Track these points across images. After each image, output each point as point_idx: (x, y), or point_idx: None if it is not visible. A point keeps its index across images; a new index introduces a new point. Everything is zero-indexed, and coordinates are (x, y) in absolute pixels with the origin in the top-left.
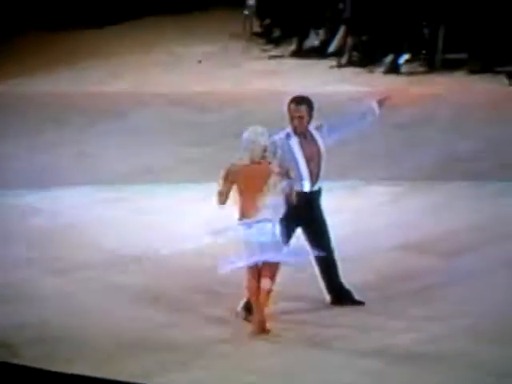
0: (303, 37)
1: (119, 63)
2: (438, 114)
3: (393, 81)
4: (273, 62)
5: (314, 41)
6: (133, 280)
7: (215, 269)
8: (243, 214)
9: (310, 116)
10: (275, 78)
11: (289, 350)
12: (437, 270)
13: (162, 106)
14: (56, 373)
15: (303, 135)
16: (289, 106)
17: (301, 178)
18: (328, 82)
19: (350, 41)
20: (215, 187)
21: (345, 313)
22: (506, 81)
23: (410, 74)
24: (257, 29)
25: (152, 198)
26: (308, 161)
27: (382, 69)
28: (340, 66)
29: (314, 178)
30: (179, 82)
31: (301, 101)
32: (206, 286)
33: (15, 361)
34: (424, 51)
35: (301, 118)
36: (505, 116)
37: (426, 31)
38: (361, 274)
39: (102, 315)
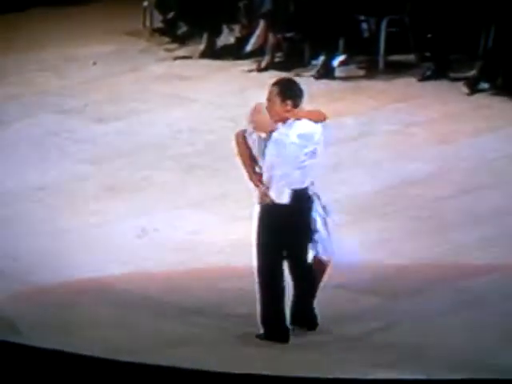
0: (214, 33)
1: None
2: (378, 128)
3: (325, 87)
4: (179, 64)
5: (227, 38)
6: None
7: None
8: None
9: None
10: (182, 83)
11: None
12: (382, 312)
13: (50, 116)
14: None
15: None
16: None
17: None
18: (246, 88)
19: (271, 38)
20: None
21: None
22: (465, 90)
23: (347, 79)
24: (159, 24)
25: (43, 219)
26: None
27: (312, 72)
28: (260, 69)
29: None
30: (70, 88)
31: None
32: None
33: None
34: (363, 51)
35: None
36: (464, 132)
37: (364, 27)
38: None
39: None
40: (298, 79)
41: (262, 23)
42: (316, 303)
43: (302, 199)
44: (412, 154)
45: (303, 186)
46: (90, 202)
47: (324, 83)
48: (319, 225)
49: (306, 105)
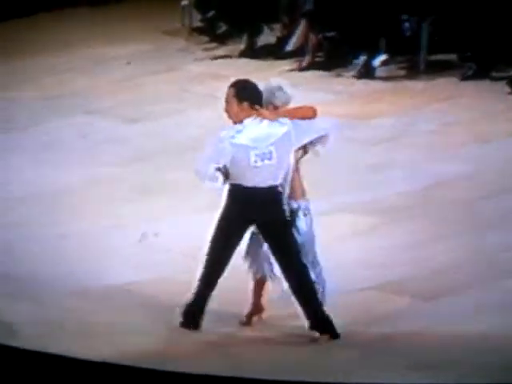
0: (255, 33)
1: (27, 65)
2: (418, 128)
3: (365, 87)
4: (218, 63)
5: (268, 38)
6: None
7: None
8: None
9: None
10: (220, 83)
11: None
12: (416, 313)
13: (80, 117)
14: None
15: None
16: None
17: None
18: None
19: (312, 38)
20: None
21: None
22: (507, 89)
23: (387, 78)
24: (198, 23)
25: (69, 223)
26: None
27: (352, 72)
28: (301, 68)
29: None
30: (102, 88)
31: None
32: None
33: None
34: (404, 51)
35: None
36: (504, 133)
37: (406, 26)
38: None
39: None
40: (338, 79)
41: (303, 22)
42: (346, 305)
43: (254, 198)
44: (451, 154)
45: (257, 184)
46: (114, 205)
47: (364, 83)
48: None
49: (346, 104)
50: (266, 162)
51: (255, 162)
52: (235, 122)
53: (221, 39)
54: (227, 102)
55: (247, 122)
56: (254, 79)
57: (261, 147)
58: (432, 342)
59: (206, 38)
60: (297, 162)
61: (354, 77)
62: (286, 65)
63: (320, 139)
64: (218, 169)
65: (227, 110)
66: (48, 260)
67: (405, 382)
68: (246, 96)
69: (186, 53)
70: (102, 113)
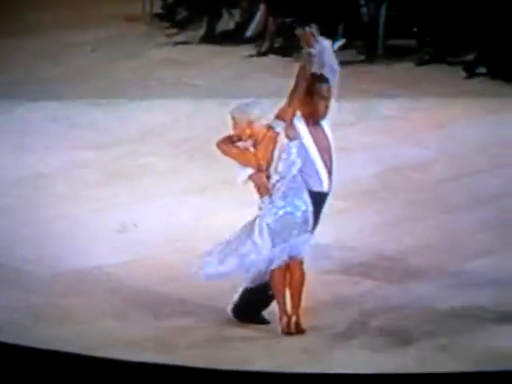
0: (214, 18)
1: None
2: (376, 113)
3: None
4: (179, 49)
5: (227, 23)
6: None
7: None
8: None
9: None
10: (182, 68)
11: None
12: (381, 296)
13: (49, 104)
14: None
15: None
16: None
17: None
18: (246, 72)
19: (271, 23)
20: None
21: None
22: (463, 73)
23: (345, 63)
24: (158, 9)
25: (43, 208)
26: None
27: None
28: (260, 54)
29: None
30: (68, 75)
31: None
32: None
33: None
34: (363, 36)
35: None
36: (461, 117)
37: (364, 11)
38: None
39: None
40: (297, 64)
41: (262, 7)
42: (315, 287)
43: None
44: (410, 139)
45: None
46: (90, 190)
47: None
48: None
49: None
50: None
51: None
52: None
53: (181, 25)
54: None
55: None
56: (213, 65)
57: None
58: (396, 325)
59: (166, 24)
60: None
61: None
62: (245, 50)
63: None
64: None
65: None
66: (29, 245)
67: (366, 365)
68: None
69: (147, 39)
70: (69, 99)
